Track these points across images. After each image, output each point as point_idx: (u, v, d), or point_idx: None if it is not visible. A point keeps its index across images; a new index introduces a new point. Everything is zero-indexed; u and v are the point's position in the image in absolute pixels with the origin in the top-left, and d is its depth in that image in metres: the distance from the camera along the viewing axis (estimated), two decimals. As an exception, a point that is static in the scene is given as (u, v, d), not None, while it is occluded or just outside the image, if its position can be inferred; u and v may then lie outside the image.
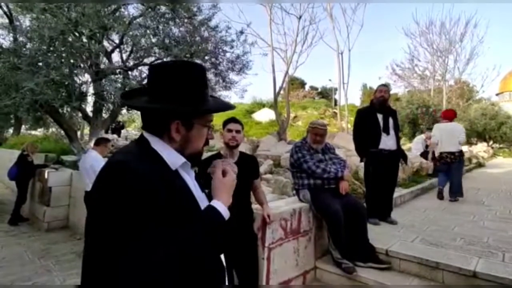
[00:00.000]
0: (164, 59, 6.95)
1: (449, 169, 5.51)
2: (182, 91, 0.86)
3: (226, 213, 0.88)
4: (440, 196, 5.54)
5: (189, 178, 0.91)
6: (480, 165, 12.22)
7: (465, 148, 13.65)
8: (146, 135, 0.88)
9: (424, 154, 8.00)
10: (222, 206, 0.87)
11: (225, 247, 0.94)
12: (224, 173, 0.95)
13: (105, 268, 0.70)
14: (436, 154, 5.75)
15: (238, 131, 2.37)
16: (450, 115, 5.77)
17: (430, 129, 9.23)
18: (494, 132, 18.08)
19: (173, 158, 0.86)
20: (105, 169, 0.79)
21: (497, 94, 34.26)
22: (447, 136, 5.47)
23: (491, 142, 18.86)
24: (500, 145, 19.60)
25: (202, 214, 0.85)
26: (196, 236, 0.78)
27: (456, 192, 5.40)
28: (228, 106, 0.96)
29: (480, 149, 16.40)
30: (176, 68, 0.88)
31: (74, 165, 7.37)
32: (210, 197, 0.96)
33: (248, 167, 2.47)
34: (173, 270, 0.71)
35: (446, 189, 5.58)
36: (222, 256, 0.92)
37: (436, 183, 6.93)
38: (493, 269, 2.50)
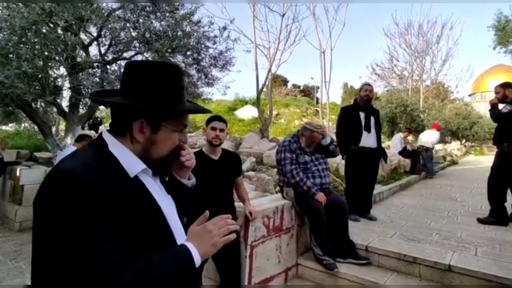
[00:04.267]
0: (145, 54, 6.78)
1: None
2: (153, 89, 0.79)
3: (197, 259, 0.77)
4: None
5: (153, 181, 0.83)
6: (453, 162, 12.73)
7: (440, 146, 14.30)
8: (105, 136, 0.81)
9: (402, 152, 8.24)
10: (195, 250, 0.77)
11: None
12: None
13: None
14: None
15: (222, 130, 2.34)
16: (439, 127, 9.39)
17: (408, 128, 9.65)
18: (466, 131, 18.87)
19: (130, 163, 0.77)
20: (48, 179, 0.69)
21: (469, 95, 35.82)
22: (438, 139, 8.89)
23: (464, 141, 19.71)
24: (472, 143, 20.54)
25: (174, 251, 0.76)
26: (163, 269, 0.69)
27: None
28: (203, 110, 0.90)
29: (454, 147, 17.13)
30: (151, 66, 0.83)
31: (49, 162, 7.09)
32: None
33: (231, 164, 2.45)
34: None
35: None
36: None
37: (413, 180, 7.31)
38: (466, 263, 2.61)
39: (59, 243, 0.62)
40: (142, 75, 0.80)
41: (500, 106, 3.96)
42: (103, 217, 0.64)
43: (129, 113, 0.78)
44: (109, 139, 0.79)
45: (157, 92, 0.80)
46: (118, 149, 0.78)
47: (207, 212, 0.87)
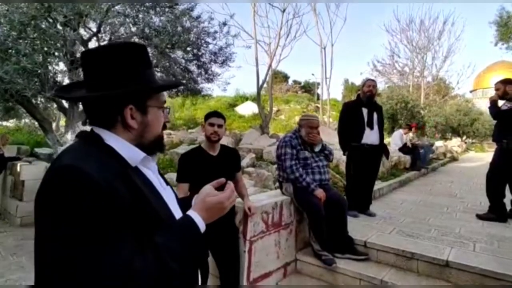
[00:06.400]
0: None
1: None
2: (125, 72, 0.78)
3: (202, 226, 0.81)
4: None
5: (151, 173, 0.84)
6: (454, 159, 12.73)
7: (440, 143, 14.30)
8: (97, 130, 0.79)
9: (402, 149, 8.24)
10: (198, 217, 0.80)
11: (199, 265, 0.87)
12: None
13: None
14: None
15: (220, 126, 2.32)
16: (414, 125, 10.37)
17: (408, 125, 9.64)
18: (467, 127, 18.82)
19: (131, 153, 0.78)
20: (51, 176, 0.67)
21: (471, 91, 35.67)
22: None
23: (464, 137, 19.67)
24: (473, 140, 20.50)
25: (176, 224, 0.79)
26: (170, 248, 0.71)
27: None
28: (177, 83, 0.94)
29: (454, 143, 17.09)
30: (113, 50, 0.80)
31: (49, 158, 7.10)
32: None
33: (230, 160, 2.45)
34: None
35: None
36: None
37: (413, 176, 7.32)
38: (465, 259, 2.62)
39: (75, 242, 0.60)
40: (109, 60, 0.78)
41: (500, 102, 3.94)
42: (114, 212, 0.64)
43: (115, 102, 0.77)
44: (103, 133, 0.78)
45: (132, 73, 0.79)
46: (115, 140, 0.77)
47: (223, 179, 0.92)
